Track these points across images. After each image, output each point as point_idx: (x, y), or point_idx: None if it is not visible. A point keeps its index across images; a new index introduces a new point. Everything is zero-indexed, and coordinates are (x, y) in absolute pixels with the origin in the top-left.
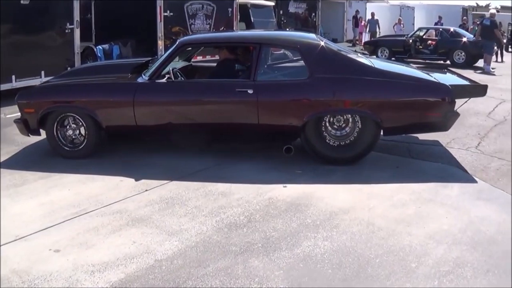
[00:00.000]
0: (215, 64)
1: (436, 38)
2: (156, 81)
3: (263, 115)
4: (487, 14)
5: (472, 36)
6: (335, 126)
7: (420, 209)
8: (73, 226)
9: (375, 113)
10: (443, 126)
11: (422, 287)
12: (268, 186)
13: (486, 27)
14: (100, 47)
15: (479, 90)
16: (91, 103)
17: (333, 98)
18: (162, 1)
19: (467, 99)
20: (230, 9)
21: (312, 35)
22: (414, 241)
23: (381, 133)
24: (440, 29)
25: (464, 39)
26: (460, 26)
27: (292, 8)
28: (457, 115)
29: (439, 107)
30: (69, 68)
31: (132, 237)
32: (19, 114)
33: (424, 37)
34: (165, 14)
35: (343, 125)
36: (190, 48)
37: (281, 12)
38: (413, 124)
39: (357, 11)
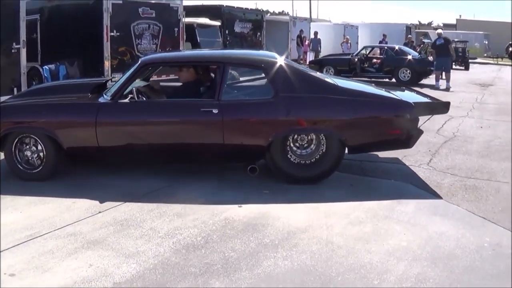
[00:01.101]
0: (174, 84)
1: (381, 56)
2: (119, 101)
3: (228, 135)
4: (434, 34)
5: (417, 54)
6: (300, 145)
7: (377, 226)
8: (27, 249)
9: (340, 131)
10: (407, 143)
11: None
12: (223, 206)
13: (441, 45)
14: (46, 67)
15: (441, 107)
16: (51, 124)
17: (298, 117)
18: (109, 21)
19: (429, 116)
20: (176, 29)
21: (273, 54)
22: (374, 258)
23: (345, 151)
24: (385, 47)
25: (409, 57)
26: (404, 44)
27: (237, 28)
28: (420, 132)
29: (402, 125)
30: (15, 89)
31: (88, 260)
32: None
33: (369, 55)
34: (112, 34)
35: (308, 144)
36: (150, 68)
37: (226, 32)
38: (377, 142)
39: (301, 31)
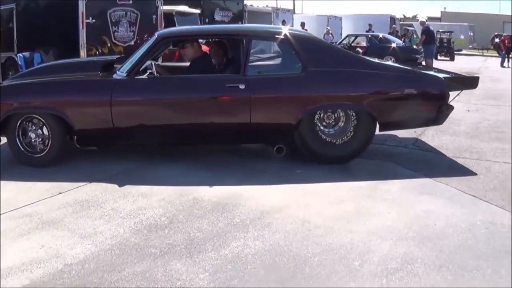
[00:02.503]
0: (181, 64)
1: (365, 45)
2: (136, 77)
3: (256, 112)
4: (417, 24)
5: (401, 42)
6: (330, 123)
7: (359, 206)
8: None
9: (372, 107)
10: (437, 119)
11: (368, 287)
12: (193, 187)
13: (429, 32)
14: (20, 55)
15: (471, 81)
16: (61, 103)
17: (329, 92)
18: (85, 8)
19: (459, 91)
20: (154, 16)
21: (298, 29)
22: (356, 238)
23: (377, 128)
24: (369, 36)
25: (393, 45)
26: (389, 34)
27: (218, 17)
28: (451, 108)
29: (434, 100)
30: None
31: (41, 240)
32: None
33: (352, 44)
34: (88, 21)
35: (338, 121)
36: (166, 43)
37: (206, 20)
38: (408, 118)
39: (283, 21)
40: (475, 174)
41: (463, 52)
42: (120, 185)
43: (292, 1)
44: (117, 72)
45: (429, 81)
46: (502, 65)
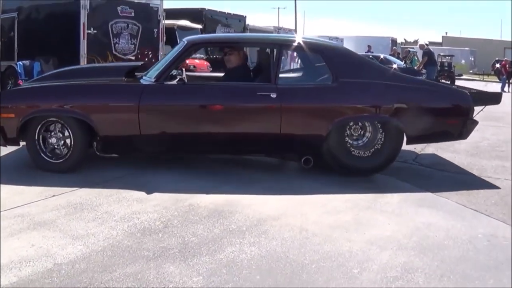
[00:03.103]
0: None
1: None
2: (165, 83)
3: (286, 122)
4: (417, 47)
5: (402, 63)
6: (359, 134)
7: (358, 216)
8: None
9: (400, 120)
10: (462, 134)
11: None
12: (189, 193)
13: (430, 54)
14: (20, 63)
15: (493, 98)
16: (86, 108)
17: (360, 103)
18: (86, 19)
19: (482, 107)
20: (156, 30)
21: (328, 41)
22: (354, 247)
23: (404, 141)
24: (370, 56)
25: (394, 66)
26: (390, 55)
27: (219, 32)
28: (475, 123)
29: (460, 115)
30: None
31: (31, 240)
32: None
33: None
34: (89, 31)
35: (367, 133)
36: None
37: None
38: (435, 132)
39: None
40: (476, 189)
41: (464, 77)
42: (115, 190)
43: (294, 22)
44: (144, 77)
45: (456, 96)
46: (502, 90)
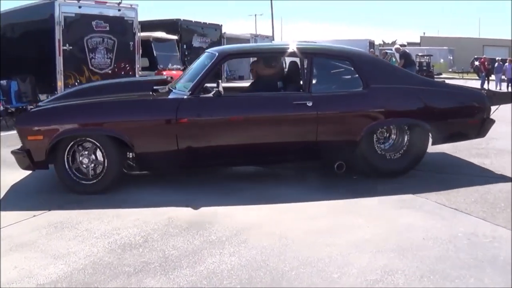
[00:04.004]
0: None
1: None
2: (201, 95)
3: (322, 130)
4: (393, 49)
5: None
6: (388, 138)
7: (337, 221)
8: None
9: (427, 122)
10: (481, 132)
11: None
12: (168, 206)
13: (407, 55)
14: None
15: (507, 97)
16: (120, 125)
17: (390, 108)
18: (61, 35)
19: (497, 106)
20: (131, 43)
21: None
22: (334, 252)
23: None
24: None
25: None
26: None
27: (196, 43)
28: (492, 121)
29: (479, 114)
30: None
31: (14, 262)
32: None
33: None
34: (64, 48)
35: (396, 136)
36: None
37: (184, 46)
38: (458, 132)
39: None
40: (455, 188)
41: (443, 76)
42: (95, 206)
43: (271, 29)
44: (175, 91)
45: (475, 97)
46: (482, 87)
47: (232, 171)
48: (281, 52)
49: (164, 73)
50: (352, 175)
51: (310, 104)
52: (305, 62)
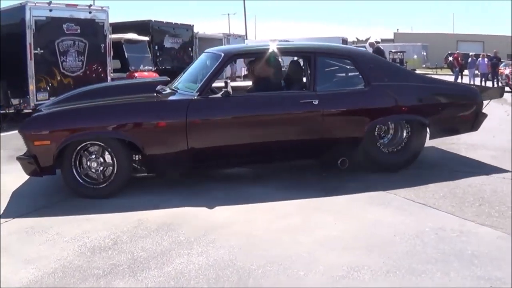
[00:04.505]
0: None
1: None
2: (210, 96)
3: (328, 127)
4: (367, 45)
5: None
6: (389, 133)
7: (306, 218)
8: None
9: (425, 117)
10: (474, 126)
11: None
12: (137, 208)
13: (380, 51)
14: None
15: (498, 92)
16: (129, 127)
17: (391, 105)
18: (32, 38)
19: (488, 101)
20: (102, 45)
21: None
22: (301, 249)
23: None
24: None
25: None
26: None
27: (167, 44)
28: (485, 115)
29: (473, 109)
30: None
31: None
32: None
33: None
34: (36, 51)
35: (396, 131)
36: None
37: (156, 47)
38: (452, 126)
39: None
40: (425, 184)
41: (417, 71)
42: (65, 211)
43: (244, 28)
44: (180, 91)
45: (469, 92)
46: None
47: (201, 172)
48: (285, 51)
49: (136, 74)
50: (322, 173)
51: (316, 102)
52: (310, 61)
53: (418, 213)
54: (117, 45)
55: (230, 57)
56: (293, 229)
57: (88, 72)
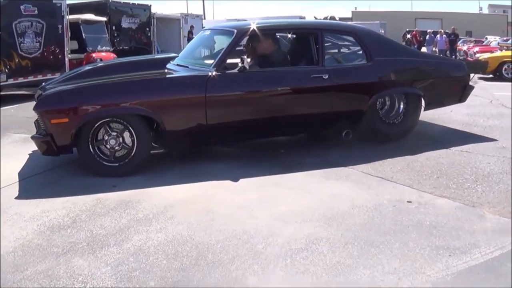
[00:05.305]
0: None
1: None
2: (227, 72)
3: (336, 101)
4: None
5: None
6: (390, 105)
7: (264, 194)
8: None
9: (422, 90)
10: (463, 97)
11: (272, 268)
12: (96, 187)
13: None
14: None
15: (481, 66)
16: (151, 104)
17: (393, 78)
18: None
19: (473, 74)
20: (60, 26)
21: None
22: (260, 224)
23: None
24: None
25: None
26: None
27: (125, 24)
28: (472, 87)
29: (461, 81)
30: None
31: None
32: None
33: None
34: None
35: (397, 103)
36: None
37: (113, 28)
38: (445, 98)
39: (191, 27)
40: (382, 159)
41: None
42: (25, 190)
43: (202, 8)
44: (192, 67)
45: (457, 66)
46: None
47: (158, 152)
48: (295, 28)
49: (94, 55)
50: (280, 150)
51: (326, 77)
52: (317, 38)
53: (376, 187)
54: (74, 25)
55: (244, 33)
56: (252, 205)
57: (45, 53)
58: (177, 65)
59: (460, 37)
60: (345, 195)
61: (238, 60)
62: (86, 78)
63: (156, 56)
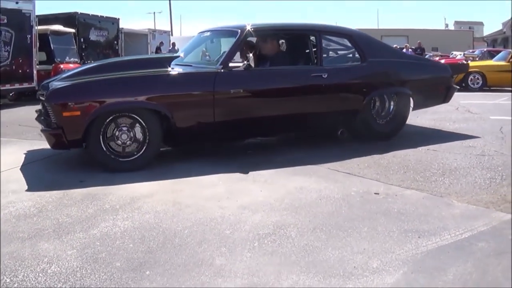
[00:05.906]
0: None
1: None
2: (234, 69)
3: (334, 99)
4: None
5: None
6: (381, 104)
7: (231, 187)
8: None
9: (411, 90)
10: (447, 98)
11: (239, 250)
12: (63, 182)
13: None
14: None
15: (463, 67)
16: (163, 99)
17: (386, 78)
18: None
19: (455, 76)
20: (29, 36)
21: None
22: (227, 213)
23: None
24: None
25: None
26: None
27: (93, 36)
28: (455, 88)
29: (446, 83)
30: None
31: None
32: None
33: None
34: None
35: (380, 103)
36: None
37: (82, 39)
38: (431, 98)
39: (161, 43)
40: (350, 158)
41: None
42: None
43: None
44: (197, 65)
45: (443, 68)
46: None
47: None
48: (295, 29)
49: (62, 66)
50: (247, 150)
51: (325, 76)
52: (316, 39)
53: (343, 181)
54: (43, 37)
55: (247, 33)
56: (218, 197)
57: (14, 62)
58: (181, 64)
59: (426, 52)
60: (312, 188)
61: (236, 63)
62: (92, 74)
63: (160, 55)
